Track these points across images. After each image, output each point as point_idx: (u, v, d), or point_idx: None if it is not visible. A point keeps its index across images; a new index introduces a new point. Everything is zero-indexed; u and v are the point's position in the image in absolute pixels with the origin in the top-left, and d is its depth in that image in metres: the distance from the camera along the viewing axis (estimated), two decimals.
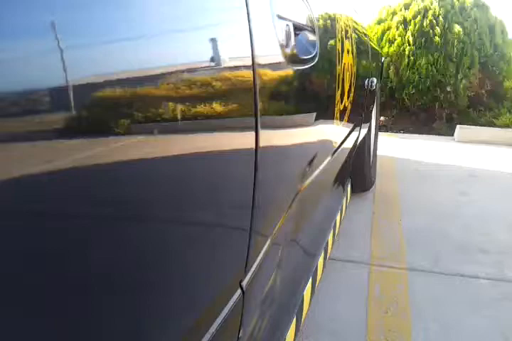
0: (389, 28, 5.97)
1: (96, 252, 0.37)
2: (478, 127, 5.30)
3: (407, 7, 5.96)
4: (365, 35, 2.26)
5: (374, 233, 2.43)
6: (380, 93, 3.33)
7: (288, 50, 0.72)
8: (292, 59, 0.75)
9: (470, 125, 5.45)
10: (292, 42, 0.73)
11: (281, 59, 0.69)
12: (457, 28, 5.54)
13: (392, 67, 5.79)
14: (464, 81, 5.61)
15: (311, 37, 0.89)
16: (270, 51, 0.66)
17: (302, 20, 0.88)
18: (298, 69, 0.78)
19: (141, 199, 0.41)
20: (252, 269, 0.68)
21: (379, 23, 6.17)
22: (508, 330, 1.59)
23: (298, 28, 0.80)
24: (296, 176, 0.96)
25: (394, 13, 6.05)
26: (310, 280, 1.33)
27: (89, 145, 0.34)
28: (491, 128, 5.27)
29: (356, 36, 1.64)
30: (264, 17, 0.65)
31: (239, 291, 0.61)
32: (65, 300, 0.34)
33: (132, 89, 0.39)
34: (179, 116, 0.45)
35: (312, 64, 0.85)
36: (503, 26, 6.00)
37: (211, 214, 0.55)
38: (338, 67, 1.14)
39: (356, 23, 1.87)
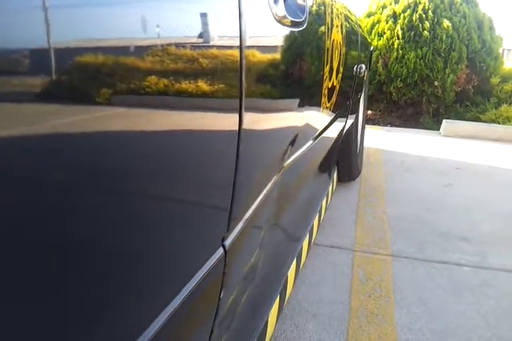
0: (378, 22, 5.97)
1: (80, 218, 0.36)
2: (464, 122, 5.33)
3: (397, 1, 5.96)
4: (356, 23, 2.24)
5: (359, 220, 2.43)
6: (368, 85, 3.33)
7: (277, 9, 0.70)
8: (281, 18, 0.73)
9: (456, 120, 5.48)
10: (281, 1, 0.72)
11: (270, 17, 0.68)
12: (446, 23, 5.56)
13: (380, 61, 5.79)
14: (451, 76, 5.63)
15: (301, 1, 0.87)
16: (259, 8, 0.64)
17: None
18: (287, 30, 0.76)
19: (122, 168, 0.40)
20: (236, 229, 0.67)
21: (369, 16, 6.17)
22: (489, 315, 1.60)
23: None
24: (280, 151, 0.95)
25: (384, 7, 6.05)
26: (294, 261, 1.33)
27: (62, 112, 0.33)
28: (477, 123, 5.30)
29: (346, 19, 1.63)
30: None
31: (221, 250, 0.60)
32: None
33: (112, 60, 0.38)
34: (160, 89, 0.43)
35: (301, 28, 0.84)
36: (491, 22, 6.03)
37: (196, 181, 0.54)
38: (327, 42, 1.13)
39: (348, 11, 1.86)
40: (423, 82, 5.70)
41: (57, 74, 0.31)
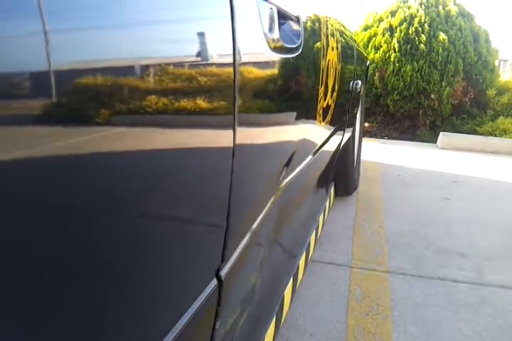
0: (375, 35, 6.00)
1: (70, 242, 0.35)
2: (460, 134, 5.34)
3: (393, 14, 5.99)
4: (352, 38, 2.25)
5: (356, 236, 2.42)
6: (364, 98, 3.34)
7: (271, 36, 0.70)
8: (276, 46, 0.73)
9: (453, 132, 5.49)
10: (276, 28, 0.72)
11: (264, 45, 0.67)
12: (442, 36, 5.59)
13: (377, 74, 5.81)
14: (447, 89, 5.65)
15: (296, 26, 0.87)
16: (253, 36, 0.64)
17: (288, 8, 0.86)
18: (281, 58, 0.76)
19: (117, 190, 0.40)
20: (231, 259, 0.66)
21: (365, 29, 6.20)
22: (485, 333, 1.59)
23: (283, 16, 0.78)
24: (276, 172, 0.95)
25: (380, 20, 6.08)
26: (291, 280, 1.32)
27: (62, 135, 0.33)
28: (474, 135, 5.31)
29: (341, 36, 1.64)
30: (248, 2, 0.63)
31: (215, 281, 0.60)
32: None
33: (109, 80, 0.37)
34: (154, 109, 0.43)
35: (296, 54, 0.84)
36: (487, 35, 6.07)
37: (187, 205, 0.53)
38: (323, 62, 1.13)
39: (342, 26, 1.87)
40: (420, 95, 5.72)
41: (49, 96, 0.31)
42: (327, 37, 1.19)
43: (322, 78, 1.15)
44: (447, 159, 4.59)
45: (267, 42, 0.69)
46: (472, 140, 5.15)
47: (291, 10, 0.88)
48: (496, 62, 6.26)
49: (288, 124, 0.97)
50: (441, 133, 5.34)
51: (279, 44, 0.75)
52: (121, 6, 0.40)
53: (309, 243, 1.65)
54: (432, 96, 5.68)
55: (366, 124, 6.14)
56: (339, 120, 1.87)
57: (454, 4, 5.97)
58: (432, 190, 3.37)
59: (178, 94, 0.48)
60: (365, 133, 5.74)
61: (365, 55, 3.67)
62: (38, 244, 0.32)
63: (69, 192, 0.34)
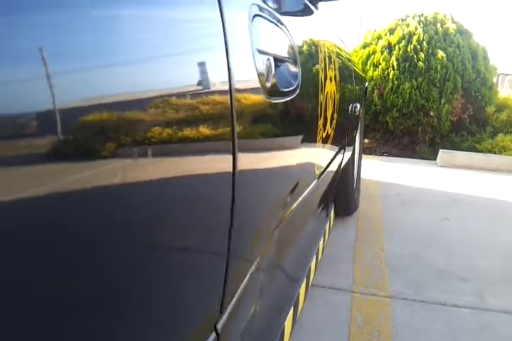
0: (374, 52, 6.04)
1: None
2: (460, 152, 5.34)
3: (391, 32, 6.04)
4: (349, 60, 2.27)
5: (357, 258, 2.41)
6: (364, 116, 3.34)
7: (268, 84, 0.71)
8: (272, 92, 0.73)
9: (453, 149, 5.50)
10: (272, 75, 0.72)
11: (261, 93, 0.68)
12: (441, 53, 5.62)
13: (376, 91, 5.84)
14: (446, 106, 5.67)
15: (293, 68, 0.88)
16: (249, 85, 0.64)
17: (283, 52, 0.87)
18: (278, 103, 0.77)
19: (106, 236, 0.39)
20: (229, 309, 0.65)
21: (364, 47, 6.25)
22: None
23: (279, 60, 0.79)
24: (277, 209, 0.95)
25: (379, 38, 6.13)
26: (291, 309, 1.31)
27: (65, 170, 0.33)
28: (473, 153, 5.31)
29: (340, 62, 1.64)
30: (243, 50, 0.64)
31: (213, 334, 0.59)
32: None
33: (114, 115, 0.38)
34: (154, 144, 0.43)
35: (293, 96, 0.84)
36: (486, 52, 6.11)
37: (184, 249, 0.53)
38: (321, 96, 1.13)
39: (340, 49, 1.88)
40: (418, 112, 5.74)
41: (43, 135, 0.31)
42: (325, 70, 1.19)
43: (321, 111, 1.15)
44: (447, 177, 4.59)
45: (264, 91, 0.69)
46: (471, 157, 5.15)
47: (289, 54, 0.88)
48: (494, 80, 6.29)
49: (288, 159, 0.97)
50: (440, 150, 5.35)
51: (277, 90, 0.75)
52: (118, 48, 0.40)
53: (310, 269, 1.64)
54: (431, 113, 5.70)
55: (366, 140, 6.15)
56: (339, 144, 1.87)
57: (452, 22, 6.02)
58: (431, 209, 3.36)
59: (178, 143, 0.48)
60: (365, 149, 5.75)
61: (364, 75, 3.69)
62: (42, 280, 0.33)
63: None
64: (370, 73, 5.87)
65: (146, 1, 0.45)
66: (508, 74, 10.09)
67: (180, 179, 0.49)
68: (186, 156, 0.50)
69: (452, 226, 3.00)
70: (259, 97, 0.68)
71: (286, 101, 0.81)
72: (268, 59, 0.71)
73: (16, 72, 0.29)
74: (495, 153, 5.30)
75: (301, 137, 1.06)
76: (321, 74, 1.13)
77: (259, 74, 0.66)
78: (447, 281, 2.17)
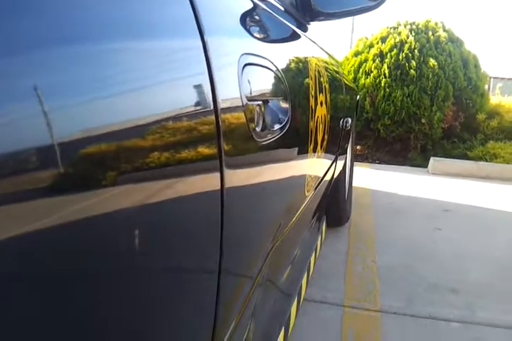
0: (365, 60, 6.08)
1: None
2: (451, 160, 5.38)
3: (383, 40, 6.09)
4: (339, 73, 2.28)
5: (348, 271, 2.42)
6: (355, 127, 3.36)
7: (258, 129, 0.72)
8: (262, 135, 0.74)
9: (444, 156, 5.54)
10: (262, 121, 0.73)
11: (250, 137, 0.69)
12: (432, 61, 5.67)
13: (368, 99, 5.88)
14: (438, 113, 5.71)
15: (284, 104, 0.89)
16: (238, 129, 0.65)
17: (273, 93, 0.88)
18: (268, 143, 0.78)
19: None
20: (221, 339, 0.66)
21: (356, 55, 6.29)
22: None
23: (268, 101, 0.80)
24: (267, 238, 0.96)
25: (371, 46, 6.17)
26: (283, 329, 1.31)
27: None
28: (464, 161, 5.36)
29: (330, 81, 1.66)
30: (231, 94, 0.65)
31: None
32: None
33: (113, 142, 0.39)
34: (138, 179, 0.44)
35: (283, 132, 0.85)
36: (477, 60, 6.16)
37: (172, 277, 0.53)
38: (311, 123, 1.15)
39: (329, 65, 1.89)
40: (410, 120, 5.78)
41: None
42: (316, 96, 1.21)
43: (311, 137, 1.17)
44: (438, 185, 4.62)
45: (253, 135, 0.70)
46: (463, 165, 5.19)
47: (279, 94, 0.89)
48: (485, 87, 6.34)
49: (276, 184, 0.98)
50: (431, 158, 5.38)
51: (266, 132, 0.77)
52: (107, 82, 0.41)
53: (301, 286, 1.65)
54: (423, 120, 5.74)
55: (358, 147, 6.18)
56: (330, 159, 1.88)
57: (444, 30, 6.07)
58: (423, 219, 3.38)
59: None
60: (357, 156, 5.78)
61: (355, 87, 3.71)
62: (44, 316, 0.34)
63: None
64: (362, 81, 5.91)
65: (129, 50, 0.46)
66: (497, 78, 10.15)
67: (169, 207, 0.50)
68: (175, 192, 0.51)
69: (444, 237, 3.02)
70: (248, 139, 0.69)
71: (276, 139, 0.82)
72: (258, 105, 0.72)
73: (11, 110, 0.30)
74: (486, 160, 5.34)
75: (291, 162, 1.08)
76: (312, 102, 1.15)
77: (248, 120, 0.68)
78: (438, 294, 2.19)
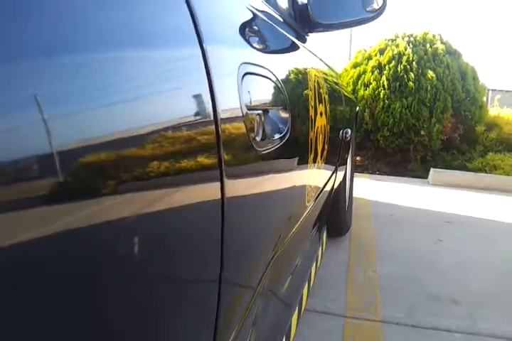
0: (364, 72, 6.11)
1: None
2: (451, 171, 5.39)
3: (381, 52, 6.13)
4: (339, 85, 2.29)
5: (350, 281, 2.42)
6: (354, 138, 3.37)
7: (258, 138, 0.73)
8: (261, 145, 0.75)
9: (444, 167, 5.55)
10: (262, 130, 0.74)
11: (250, 147, 0.70)
12: (430, 73, 5.70)
13: (367, 110, 5.90)
14: (437, 125, 5.73)
15: (283, 114, 0.90)
16: (238, 139, 0.66)
17: (273, 103, 0.89)
18: (268, 152, 0.79)
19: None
20: None
21: (355, 66, 6.32)
22: None
23: (268, 112, 0.81)
24: (268, 248, 0.96)
25: (369, 58, 6.21)
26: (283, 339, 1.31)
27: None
28: (463, 172, 5.36)
29: (330, 92, 1.67)
30: (231, 103, 0.66)
31: None
32: None
33: (114, 151, 0.39)
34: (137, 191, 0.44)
35: (283, 141, 0.86)
36: (475, 72, 6.20)
37: (172, 288, 0.53)
38: (311, 133, 1.16)
39: (329, 77, 1.91)
40: (409, 131, 5.80)
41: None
42: (315, 107, 1.22)
43: (311, 147, 1.18)
44: (439, 197, 4.62)
45: (253, 144, 0.71)
46: (463, 176, 5.20)
47: (279, 104, 0.90)
48: (484, 99, 6.37)
49: (277, 195, 0.98)
50: (432, 169, 5.39)
51: (266, 142, 0.77)
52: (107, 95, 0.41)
53: (302, 296, 1.65)
54: (422, 132, 5.75)
55: (358, 158, 6.19)
56: (330, 169, 1.89)
57: (441, 42, 6.11)
58: (425, 230, 3.38)
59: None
60: (357, 167, 5.79)
61: (354, 99, 3.73)
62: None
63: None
64: (361, 92, 5.94)
65: (129, 60, 0.46)
66: (496, 90, 10.18)
67: (169, 218, 0.50)
68: (176, 203, 0.51)
69: (446, 248, 3.02)
70: (248, 149, 0.70)
71: (276, 149, 0.83)
72: (258, 115, 0.73)
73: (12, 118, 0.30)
74: (486, 172, 5.35)
75: (291, 172, 1.08)
76: (311, 112, 1.16)
77: (248, 129, 0.68)
78: (440, 304, 2.18)
